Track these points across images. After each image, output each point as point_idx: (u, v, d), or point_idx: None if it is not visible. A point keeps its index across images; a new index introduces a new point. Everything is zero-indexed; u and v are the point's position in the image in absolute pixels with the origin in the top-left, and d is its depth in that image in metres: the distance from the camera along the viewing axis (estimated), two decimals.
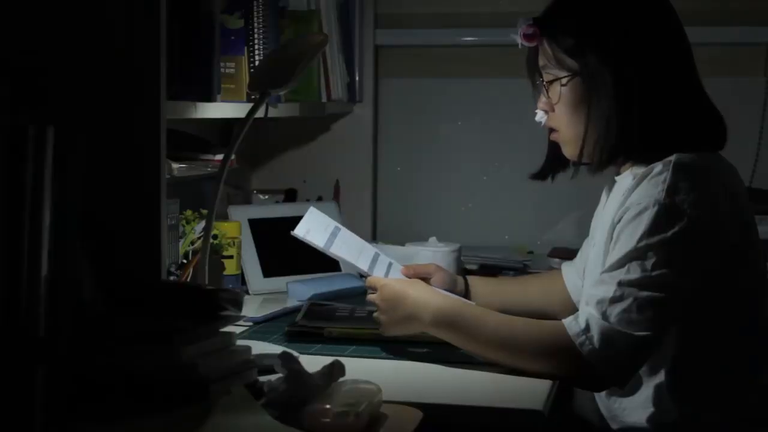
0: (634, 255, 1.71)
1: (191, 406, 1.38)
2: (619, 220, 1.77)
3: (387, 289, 1.91)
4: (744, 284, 1.81)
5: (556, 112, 1.89)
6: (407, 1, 3.20)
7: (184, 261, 2.17)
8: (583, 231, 3.08)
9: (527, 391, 1.72)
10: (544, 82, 1.89)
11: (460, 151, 3.18)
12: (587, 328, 1.71)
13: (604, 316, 1.71)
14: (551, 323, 1.79)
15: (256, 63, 2.22)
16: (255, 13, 2.25)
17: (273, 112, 2.09)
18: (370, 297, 1.94)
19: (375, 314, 1.92)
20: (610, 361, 1.71)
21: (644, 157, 1.81)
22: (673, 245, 1.71)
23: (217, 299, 1.51)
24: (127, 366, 1.39)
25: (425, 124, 3.20)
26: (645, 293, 1.70)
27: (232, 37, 2.20)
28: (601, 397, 1.90)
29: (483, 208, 3.17)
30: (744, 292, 1.81)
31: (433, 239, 2.49)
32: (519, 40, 1.89)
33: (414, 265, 2.11)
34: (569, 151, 1.91)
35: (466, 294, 2.15)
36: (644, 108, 1.80)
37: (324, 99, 2.80)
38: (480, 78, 3.17)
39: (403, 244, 2.47)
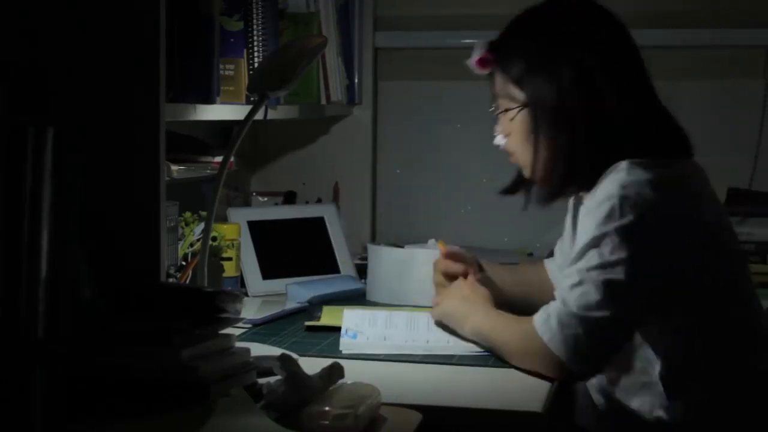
0: (591, 244, 1.76)
1: (191, 407, 1.38)
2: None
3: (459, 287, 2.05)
4: (712, 281, 1.82)
5: (511, 138, 1.95)
6: (407, 3, 3.20)
7: (183, 263, 2.17)
8: None
9: (526, 393, 1.72)
10: (498, 111, 1.97)
11: (459, 153, 3.17)
12: (548, 317, 1.76)
13: (564, 302, 1.76)
14: (527, 319, 1.83)
15: (256, 65, 2.22)
16: (254, 15, 2.25)
17: (272, 114, 2.09)
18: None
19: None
20: (569, 345, 1.73)
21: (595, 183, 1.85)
22: (627, 232, 1.74)
23: (217, 301, 1.51)
24: (127, 367, 1.39)
25: (424, 127, 3.20)
26: (603, 276, 1.73)
27: (232, 39, 2.20)
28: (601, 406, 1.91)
29: (482, 211, 3.16)
30: (713, 289, 1.82)
31: (432, 241, 2.49)
32: (473, 67, 1.98)
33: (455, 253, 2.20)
34: (527, 175, 1.96)
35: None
36: (594, 137, 1.84)
37: (323, 101, 2.80)
38: (479, 80, 3.15)
39: (402, 246, 2.47)
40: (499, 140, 1.98)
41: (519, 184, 2.03)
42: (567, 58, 1.86)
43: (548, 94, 1.86)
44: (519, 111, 1.90)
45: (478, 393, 1.74)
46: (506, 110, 1.93)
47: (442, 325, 2.01)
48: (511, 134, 1.94)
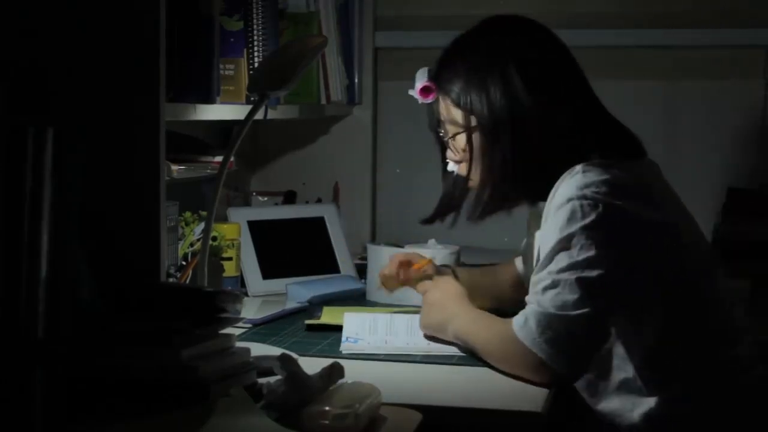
0: (559, 247, 1.77)
1: (191, 407, 1.38)
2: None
3: (430, 295, 2.03)
4: (675, 277, 1.83)
5: (463, 163, 1.97)
6: (407, 3, 3.19)
7: (184, 263, 2.17)
8: None
9: (526, 393, 1.72)
10: (446, 137, 1.98)
11: None
12: (526, 320, 1.77)
13: (540, 304, 1.76)
14: (504, 321, 1.83)
15: (256, 65, 2.22)
16: (254, 14, 2.25)
17: (272, 114, 2.09)
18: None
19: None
20: (551, 345, 1.74)
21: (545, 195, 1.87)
22: (592, 230, 1.76)
23: (217, 301, 1.51)
24: (127, 367, 1.39)
25: (424, 126, 3.18)
26: (576, 275, 1.74)
27: (232, 39, 2.20)
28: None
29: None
30: (677, 284, 1.84)
31: (432, 241, 2.49)
32: (416, 96, 2.00)
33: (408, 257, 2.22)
34: (478, 192, 1.97)
35: None
36: (535, 149, 1.87)
37: (323, 101, 2.80)
38: None
39: (402, 246, 2.46)
40: (452, 167, 2.00)
41: (440, 214, 2.05)
42: (495, 73, 1.88)
43: (484, 111, 1.89)
44: (468, 136, 1.92)
45: (478, 393, 1.74)
46: (454, 136, 1.95)
47: (432, 337, 2.00)
48: (462, 158, 1.96)
